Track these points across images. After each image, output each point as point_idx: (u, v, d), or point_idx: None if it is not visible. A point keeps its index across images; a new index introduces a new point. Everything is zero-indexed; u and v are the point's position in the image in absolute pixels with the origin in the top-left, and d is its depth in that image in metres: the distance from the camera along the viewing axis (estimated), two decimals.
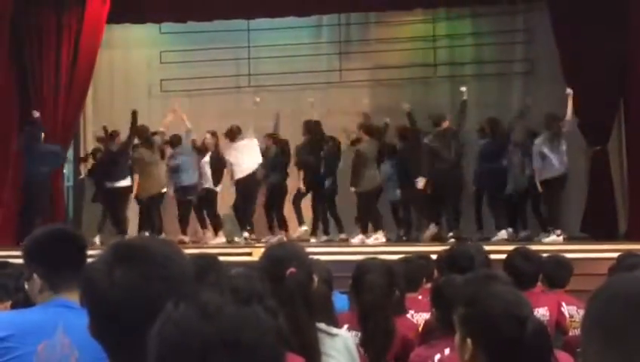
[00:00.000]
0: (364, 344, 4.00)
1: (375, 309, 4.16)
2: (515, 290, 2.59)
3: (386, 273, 4.29)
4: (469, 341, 2.43)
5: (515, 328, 2.35)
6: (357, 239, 12.45)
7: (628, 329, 1.23)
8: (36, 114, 12.81)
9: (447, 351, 3.09)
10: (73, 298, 2.63)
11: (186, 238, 12.99)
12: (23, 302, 3.53)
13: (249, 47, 14.81)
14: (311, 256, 3.43)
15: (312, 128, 12.89)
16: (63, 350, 2.51)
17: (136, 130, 12.81)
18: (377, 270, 4.29)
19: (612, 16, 12.02)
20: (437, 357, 3.20)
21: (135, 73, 15.14)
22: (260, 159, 12.77)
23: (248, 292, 1.46)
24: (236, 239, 12.87)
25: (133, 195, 13.06)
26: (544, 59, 13.73)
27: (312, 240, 12.73)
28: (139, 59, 15.27)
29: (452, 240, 11.26)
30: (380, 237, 12.37)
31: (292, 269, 3.03)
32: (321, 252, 8.97)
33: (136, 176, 12.91)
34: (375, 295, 4.16)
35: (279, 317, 1.47)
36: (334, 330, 3.22)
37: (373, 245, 11.87)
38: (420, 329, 4.65)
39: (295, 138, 13.02)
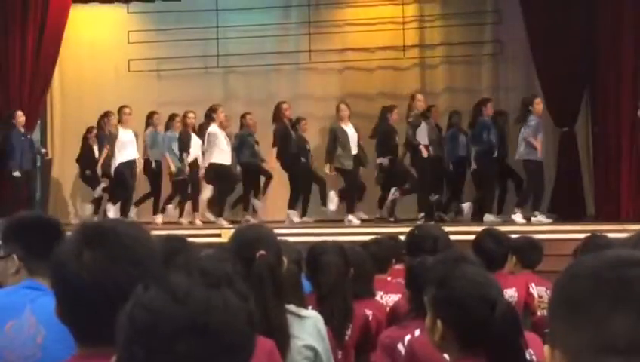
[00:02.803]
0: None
1: (333, 290, 4.16)
2: (484, 272, 2.59)
3: (340, 253, 4.30)
4: (439, 322, 2.44)
5: (484, 310, 2.36)
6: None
7: (592, 304, 1.22)
8: None
9: (417, 332, 3.10)
10: (45, 282, 2.61)
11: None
12: None
13: (217, 27, 14.68)
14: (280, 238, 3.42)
15: None
16: (29, 329, 2.51)
17: None
18: (332, 251, 4.30)
19: None
20: (407, 337, 3.21)
21: (102, 53, 14.95)
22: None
23: (218, 275, 1.44)
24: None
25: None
26: (513, 41, 13.73)
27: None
28: (106, 40, 15.06)
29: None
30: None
31: (262, 252, 3.01)
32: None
33: None
34: (332, 276, 4.17)
35: (250, 300, 1.45)
36: (304, 312, 3.22)
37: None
38: (388, 311, 4.67)
39: (264, 119, 12.93)
